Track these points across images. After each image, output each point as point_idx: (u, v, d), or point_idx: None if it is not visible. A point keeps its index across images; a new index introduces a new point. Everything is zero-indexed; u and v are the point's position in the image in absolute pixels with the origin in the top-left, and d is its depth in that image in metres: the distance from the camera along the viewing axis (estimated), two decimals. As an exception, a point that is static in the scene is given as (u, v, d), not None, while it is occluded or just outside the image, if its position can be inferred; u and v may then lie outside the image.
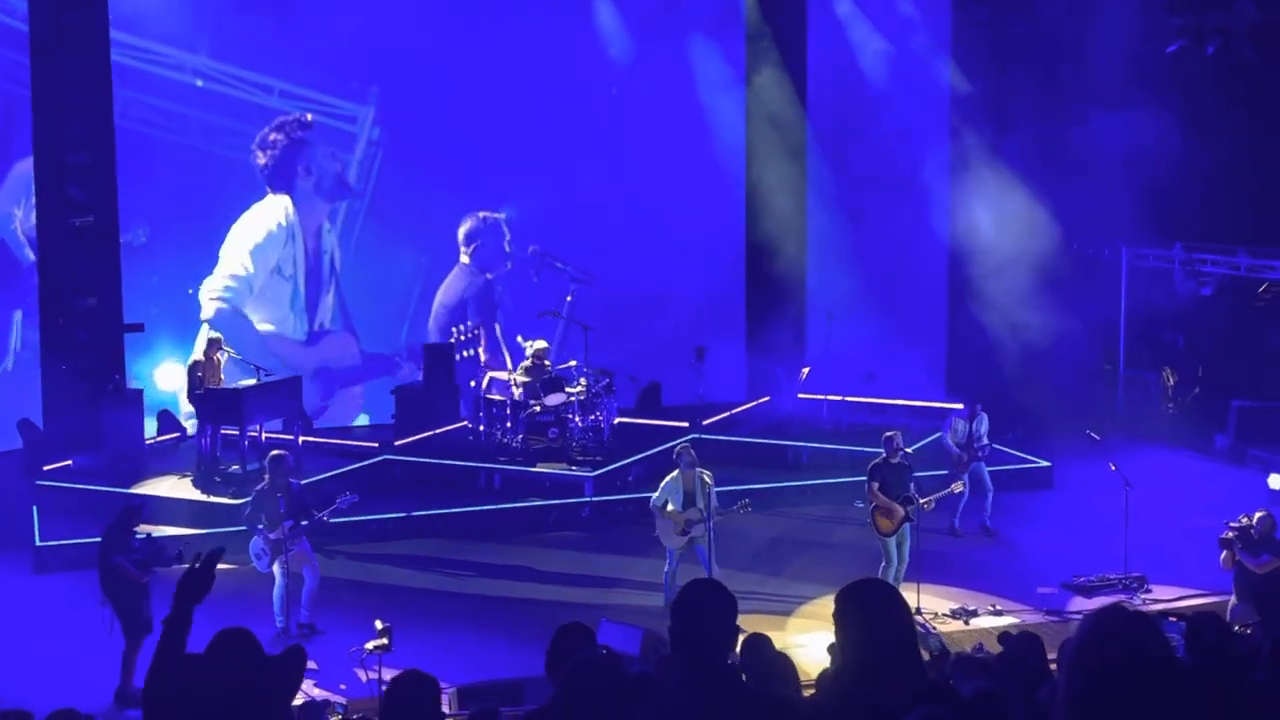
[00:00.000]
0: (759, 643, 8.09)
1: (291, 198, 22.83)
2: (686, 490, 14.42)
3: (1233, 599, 13.24)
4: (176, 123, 21.80)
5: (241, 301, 22.54)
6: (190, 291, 22.15)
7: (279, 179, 22.88)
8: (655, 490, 14.71)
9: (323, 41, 22.09)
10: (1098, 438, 16.90)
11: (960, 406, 17.70)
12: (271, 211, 22.84)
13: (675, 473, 14.60)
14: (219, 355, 18.21)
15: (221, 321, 21.77)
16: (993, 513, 17.40)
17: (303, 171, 22.97)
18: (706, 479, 14.56)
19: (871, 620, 4.34)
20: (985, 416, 17.41)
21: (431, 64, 22.22)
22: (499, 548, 17.12)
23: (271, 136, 23.00)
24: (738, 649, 8.03)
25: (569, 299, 20.71)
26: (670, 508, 14.48)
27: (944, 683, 4.64)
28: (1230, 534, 13.27)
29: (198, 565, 5.23)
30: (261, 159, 22.93)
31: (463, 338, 21.53)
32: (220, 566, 16.10)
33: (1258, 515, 13.27)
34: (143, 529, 13.66)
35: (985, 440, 17.39)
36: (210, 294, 22.30)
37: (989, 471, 17.55)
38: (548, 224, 23.19)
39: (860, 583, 4.58)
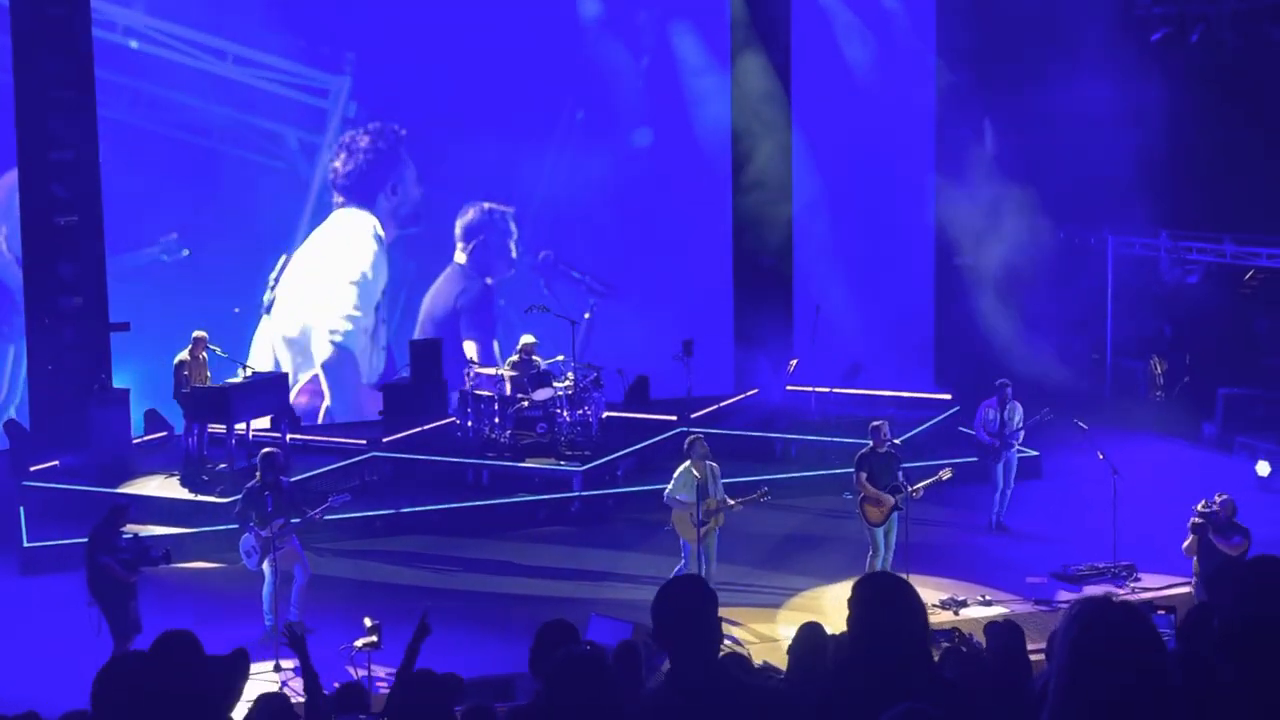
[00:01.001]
0: (813, 631, 8.07)
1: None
2: (700, 482, 14.19)
3: (1194, 581, 13.41)
4: (102, 93, 19.56)
5: (357, 344, 21.57)
6: (236, 310, 21.07)
7: (357, 192, 21.32)
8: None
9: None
10: (1085, 426, 16.91)
11: (993, 396, 17.27)
12: (367, 232, 21.36)
13: (686, 464, 14.32)
14: (204, 353, 18.16)
15: (334, 365, 21.17)
16: (1007, 508, 17.24)
17: (389, 191, 21.50)
18: (718, 471, 14.48)
19: (883, 613, 4.32)
20: (1018, 404, 17.16)
21: (413, 30, 21.30)
22: (488, 543, 17.09)
23: (362, 141, 21.40)
24: (793, 637, 8.05)
25: (587, 315, 19.99)
26: (684, 500, 14.27)
27: (949, 680, 4.62)
28: (1199, 519, 13.41)
29: None
30: (341, 164, 21.29)
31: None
32: (208, 565, 16.02)
33: (1220, 498, 13.45)
34: (130, 529, 13.61)
35: (1019, 428, 17.15)
36: (332, 334, 21.27)
37: (1016, 464, 17.37)
38: (537, 219, 23.04)
39: (876, 575, 4.59)
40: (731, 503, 14.34)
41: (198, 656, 4.94)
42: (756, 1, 22.36)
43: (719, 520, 14.31)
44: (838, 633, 8.12)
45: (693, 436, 14.73)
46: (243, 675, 5.25)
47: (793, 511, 18.00)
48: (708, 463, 14.34)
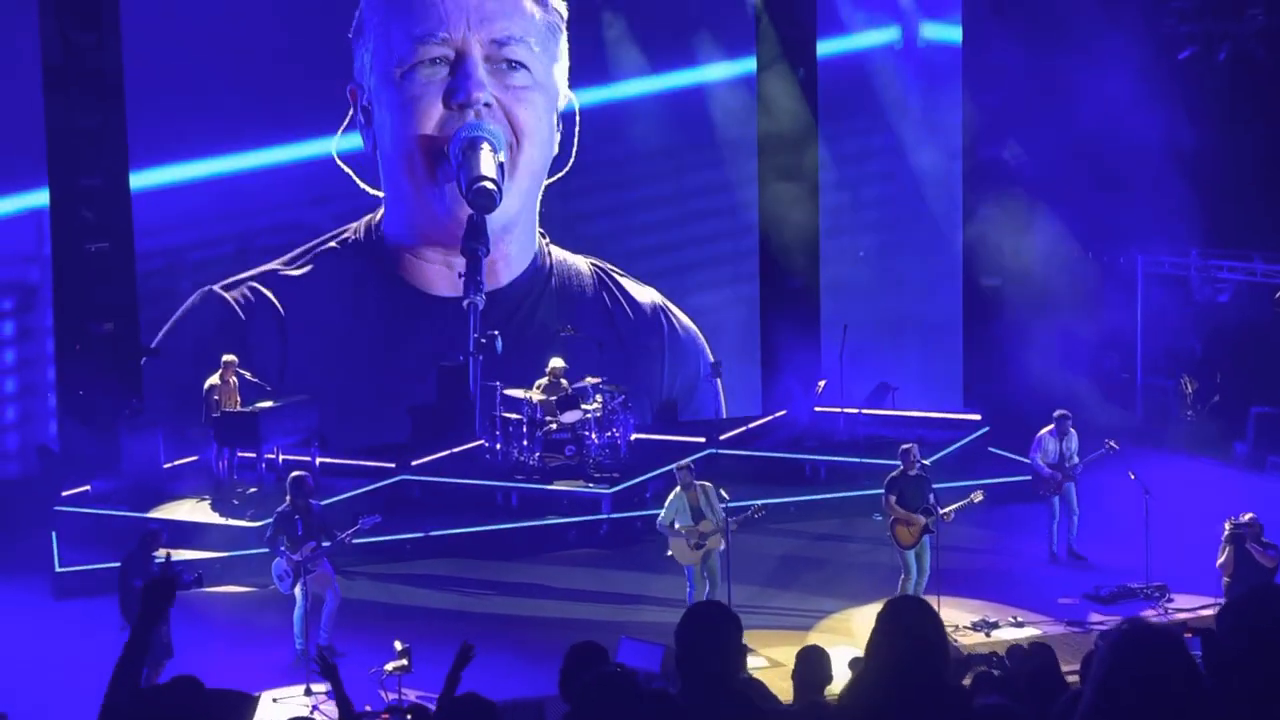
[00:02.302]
0: (814, 655, 8.06)
1: None
2: (693, 506, 14.44)
3: (1225, 601, 13.39)
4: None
5: None
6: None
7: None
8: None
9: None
10: (1116, 446, 16.81)
11: (1051, 426, 16.80)
12: None
13: (677, 489, 14.64)
14: (234, 377, 18.24)
15: None
16: (1076, 533, 16.79)
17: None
18: (713, 491, 14.65)
19: (901, 636, 4.32)
20: (1075, 433, 16.79)
21: None
22: (517, 566, 17.10)
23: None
24: (794, 661, 8.05)
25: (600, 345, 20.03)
26: (679, 525, 14.49)
27: (968, 701, 4.61)
28: (1239, 530, 13.41)
29: (162, 581, 5.14)
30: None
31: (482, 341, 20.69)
32: (240, 589, 16.14)
33: (1246, 517, 13.54)
34: (161, 553, 13.65)
35: (1076, 459, 16.72)
36: None
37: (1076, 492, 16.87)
38: (561, 243, 22.94)
39: (902, 598, 4.59)
40: (728, 521, 14.48)
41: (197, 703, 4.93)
42: (782, 20, 22.35)
43: (716, 541, 14.39)
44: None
45: (678, 466, 14.97)
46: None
47: (822, 533, 17.97)
48: (700, 484, 14.57)
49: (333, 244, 21.36)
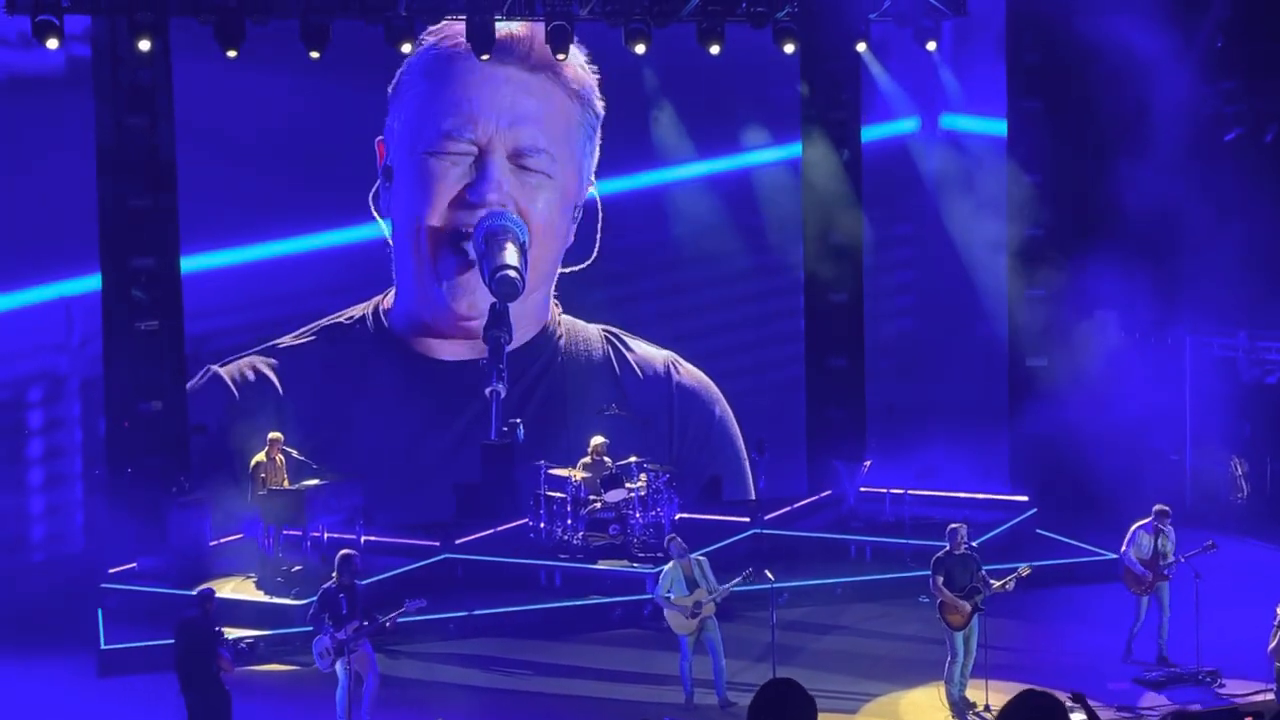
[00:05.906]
0: None
1: None
2: (687, 577, 14.78)
3: (1277, 688, 13.21)
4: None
5: None
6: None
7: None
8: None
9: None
10: (1215, 546, 16.24)
11: (1148, 520, 15.81)
12: None
13: (671, 563, 14.93)
14: (280, 455, 18.32)
15: None
16: (1168, 637, 15.74)
17: None
18: (706, 563, 15.00)
19: None
20: (1172, 530, 15.83)
21: None
22: (561, 646, 17.02)
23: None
24: None
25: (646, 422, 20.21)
26: (674, 596, 14.75)
27: None
28: None
29: None
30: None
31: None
32: (283, 667, 16.23)
33: None
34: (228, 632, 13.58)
35: (1172, 558, 15.73)
36: None
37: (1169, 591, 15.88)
38: (606, 320, 23.05)
39: (1028, 695, 4.51)
40: (721, 589, 14.74)
41: None
42: (827, 103, 22.45)
43: (710, 609, 14.69)
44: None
45: (670, 537, 15.41)
46: None
47: (868, 615, 17.83)
48: (691, 557, 14.93)
49: (340, 319, 21.66)
